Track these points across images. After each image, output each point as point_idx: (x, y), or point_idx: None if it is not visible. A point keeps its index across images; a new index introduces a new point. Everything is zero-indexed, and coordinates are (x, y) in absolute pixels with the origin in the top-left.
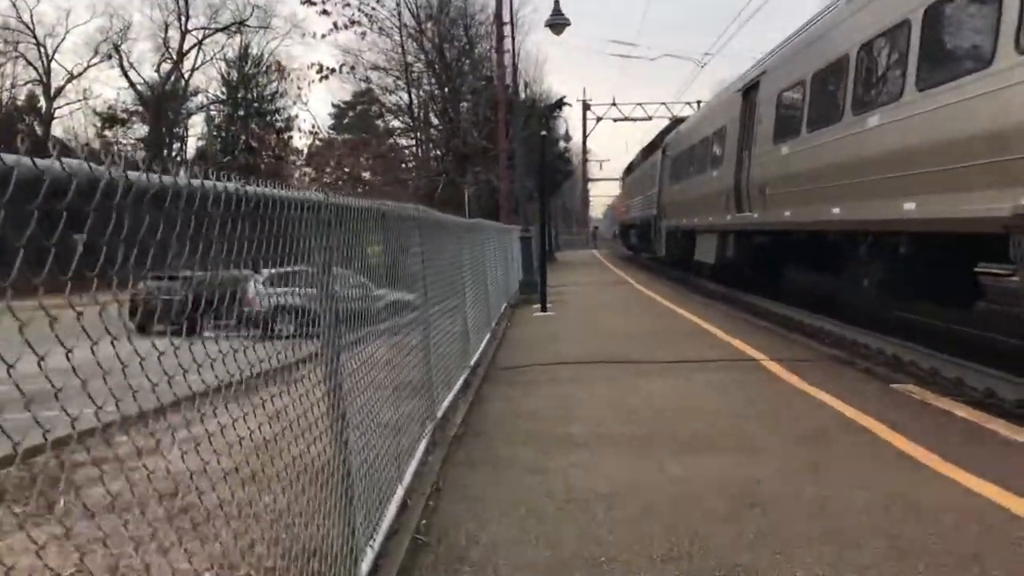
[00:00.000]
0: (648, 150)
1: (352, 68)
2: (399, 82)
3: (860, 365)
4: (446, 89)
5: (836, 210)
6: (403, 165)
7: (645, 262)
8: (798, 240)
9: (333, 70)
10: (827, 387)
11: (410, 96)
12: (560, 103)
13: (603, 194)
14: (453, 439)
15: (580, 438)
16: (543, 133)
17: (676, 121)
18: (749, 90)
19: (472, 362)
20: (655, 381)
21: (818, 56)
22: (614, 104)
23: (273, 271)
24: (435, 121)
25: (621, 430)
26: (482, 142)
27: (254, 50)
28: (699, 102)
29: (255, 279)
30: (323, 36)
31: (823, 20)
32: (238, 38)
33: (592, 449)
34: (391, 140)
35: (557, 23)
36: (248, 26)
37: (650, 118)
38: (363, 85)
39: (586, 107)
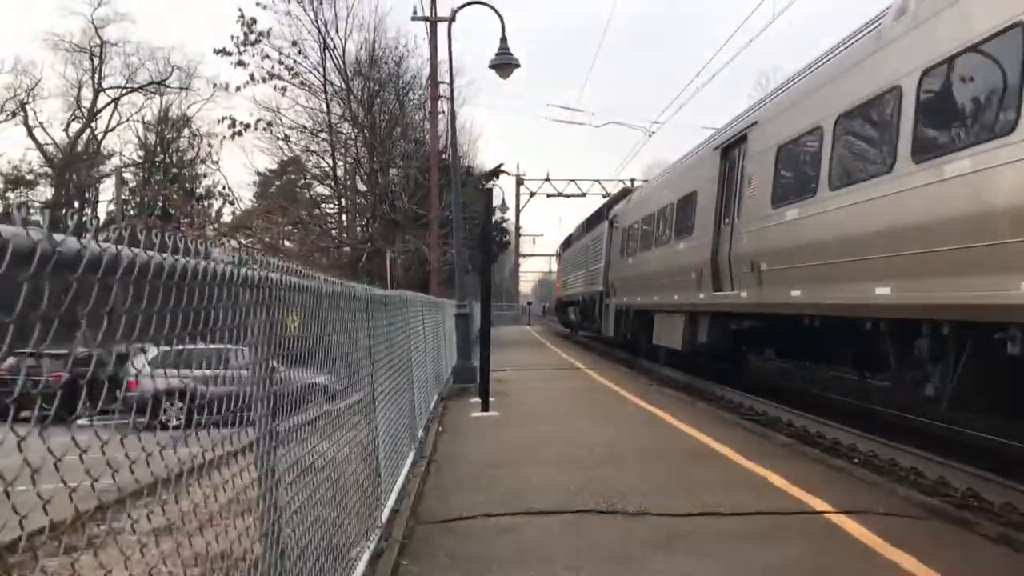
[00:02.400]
0: (591, 222)
1: (269, 124)
2: (324, 144)
3: (989, 530)
4: (374, 153)
5: (884, 290)
6: (325, 233)
7: (585, 341)
8: (808, 328)
9: (248, 125)
10: None
11: (334, 159)
12: (498, 170)
13: (532, 270)
14: None
15: None
16: (491, 186)
17: (624, 192)
18: (731, 147)
19: (385, 515)
20: (686, 562)
21: (848, 93)
22: (548, 180)
23: (164, 349)
24: (362, 187)
25: None
26: (412, 207)
27: (175, 112)
28: (632, 180)
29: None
30: (238, 89)
31: (850, 49)
32: (157, 100)
33: None
34: (316, 209)
35: (504, 63)
36: (167, 87)
37: (584, 194)
38: (281, 145)
39: (519, 181)
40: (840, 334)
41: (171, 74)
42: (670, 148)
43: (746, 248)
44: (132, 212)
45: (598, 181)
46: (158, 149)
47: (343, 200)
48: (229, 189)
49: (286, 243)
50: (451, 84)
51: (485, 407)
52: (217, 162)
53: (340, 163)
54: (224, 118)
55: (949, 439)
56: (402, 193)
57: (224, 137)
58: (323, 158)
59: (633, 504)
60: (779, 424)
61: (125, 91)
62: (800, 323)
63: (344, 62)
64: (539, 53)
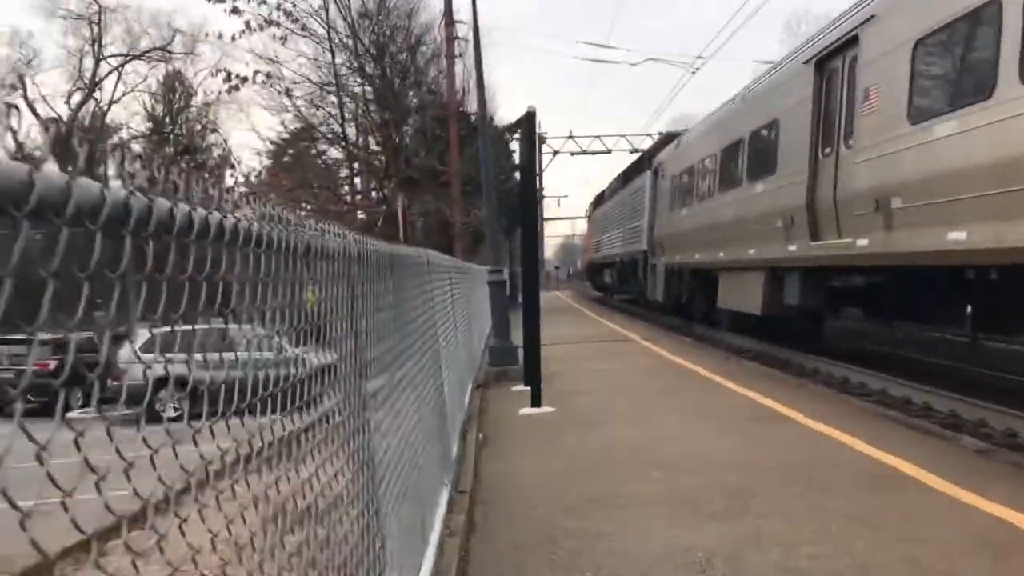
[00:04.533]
0: (629, 174)
1: (269, 76)
2: (331, 100)
3: None
4: (385, 104)
5: None
6: (335, 196)
7: (624, 306)
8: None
9: (245, 79)
10: None
11: (342, 113)
12: (530, 116)
13: (553, 234)
14: None
15: None
16: (531, 109)
17: (667, 137)
18: (829, 56)
19: None
20: None
21: None
22: (571, 137)
23: (158, 331)
24: (375, 148)
25: None
26: (431, 163)
27: (185, 80)
28: (660, 134)
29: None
30: (233, 39)
31: None
32: (163, 68)
33: None
34: (326, 172)
35: None
36: (171, 52)
37: (609, 151)
38: (285, 103)
39: (541, 140)
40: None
41: (174, 38)
42: (707, 100)
43: (864, 182)
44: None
45: (624, 136)
46: (167, 120)
47: (355, 162)
48: (230, 150)
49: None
50: (474, 4)
51: (536, 401)
52: (215, 121)
53: (349, 119)
54: (219, 70)
55: None
56: (418, 148)
57: (220, 93)
58: (331, 114)
59: None
60: (935, 413)
61: (128, 59)
62: (952, 275)
63: (350, 7)
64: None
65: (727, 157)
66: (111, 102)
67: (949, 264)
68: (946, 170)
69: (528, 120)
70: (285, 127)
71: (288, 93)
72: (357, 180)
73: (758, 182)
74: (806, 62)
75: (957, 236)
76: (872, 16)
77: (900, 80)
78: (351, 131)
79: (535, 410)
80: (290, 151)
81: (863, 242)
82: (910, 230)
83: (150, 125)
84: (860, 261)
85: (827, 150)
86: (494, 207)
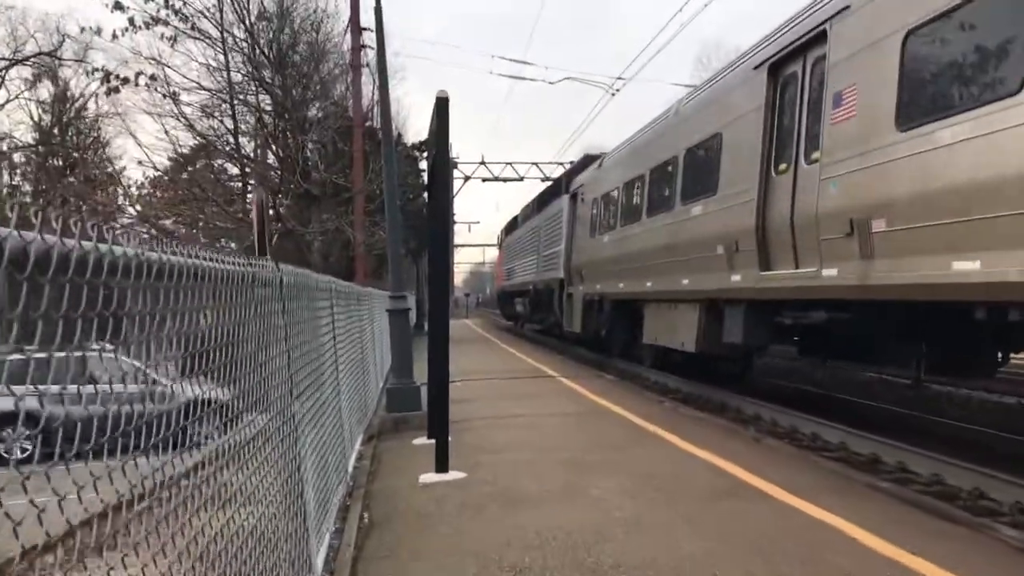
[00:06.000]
0: (544, 198)
1: (153, 78)
2: (226, 108)
3: None
4: (284, 113)
5: None
6: (223, 212)
7: (536, 337)
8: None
9: (126, 80)
10: None
11: (235, 120)
12: (442, 104)
13: (463, 260)
14: None
15: None
16: (442, 94)
17: (587, 159)
18: (788, 58)
19: None
20: None
21: None
22: (483, 163)
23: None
24: (272, 161)
25: None
26: (332, 177)
27: (76, 88)
28: (572, 163)
29: None
30: (114, 37)
31: None
32: (53, 75)
33: None
34: (218, 186)
35: None
36: (59, 58)
37: (522, 178)
38: (171, 108)
39: (453, 165)
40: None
41: (63, 43)
42: (624, 129)
43: (833, 201)
44: (26, 200)
45: (536, 164)
46: (55, 131)
47: (246, 170)
48: (115, 170)
49: (177, 224)
50: (378, 14)
51: (443, 465)
52: (102, 134)
53: (246, 131)
54: (95, 69)
55: None
56: (319, 162)
57: (96, 95)
58: (223, 124)
59: None
60: (917, 477)
61: (11, 63)
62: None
63: (248, 8)
64: (476, 34)
65: (658, 177)
66: None
67: (952, 299)
68: (951, 184)
69: (440, 108)
70: (175, 143)
71: (175, 97)
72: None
73: (695, 204)
74: (757, 67)
75: (967, 266)
76: (846, 7)
77: (886, 80)
78: (248, 144)
79: (441, 477)
80: (188, 168)
81: (830, 272)
82: (897, 259)
83: (36, 135)
84: (825, 294)
85: (782, 166)
86: (398, 222)
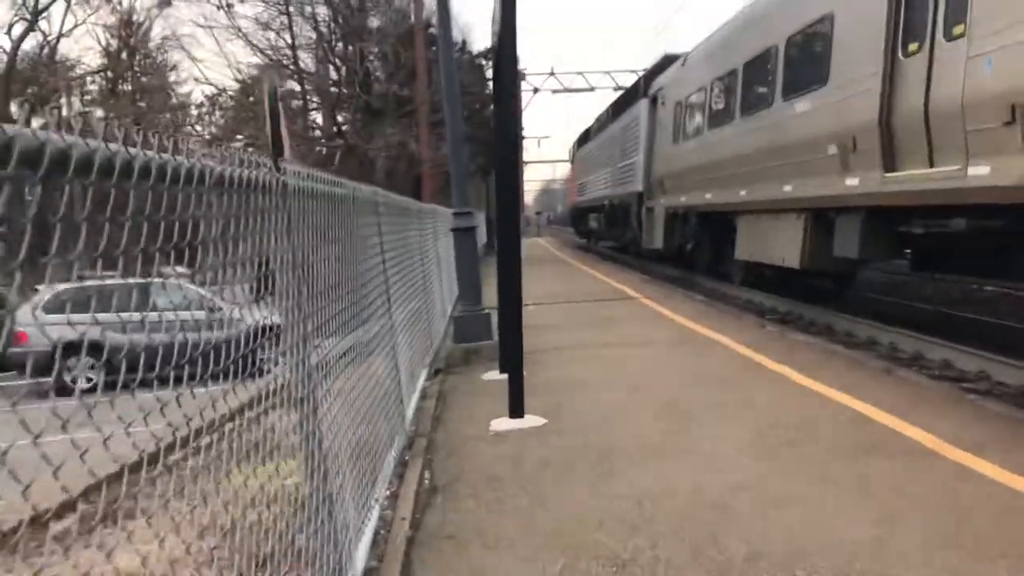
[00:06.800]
0: (620, 105)
1: None
2: (281, 18)
3: None
4: (340, 18)
5: None
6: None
7: (613, 255)
8: None
9: None
10: None
11: (291, 32)
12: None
13: (532, 178)
14: None
15: None
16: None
17: (667, 59)
18: None
19: None
20: None
21: None
22: (552, 74)
23: (60, 288)
24: (333, 75)
25: None
26: (394, 89)
27: (139, 16)
28: (645, 70)
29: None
30: None
31: None
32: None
33: None
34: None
35: None
36: None
37: (593, 89)
38: (228, 24)
39: (520, 77)
40: None
41: None
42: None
43: (990, 84)
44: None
45: (608, 73)
46: (123, 56)
47: (304, 85)
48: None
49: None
50: None
51: (517, 409)
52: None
53: (304, 45)
54: None
55: None
56: (380, 73)
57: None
58: (280, 35)
59: None
60: None
61: None
62: None
63: None
64: None
65: (753, 72)
66: (59, 35)
67: None
68: None
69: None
70: (233, 62)
71: (229, 7)
72: (313, 114)
73: (800, 99)
74: None
75: None
76: None
77: None
78: (307, 59)
79: (516, 423)
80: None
81: (979, 170)
82: None
83: (104, 61)
84: (973, 198)
85: (912, 46)
86: (459, 125)
